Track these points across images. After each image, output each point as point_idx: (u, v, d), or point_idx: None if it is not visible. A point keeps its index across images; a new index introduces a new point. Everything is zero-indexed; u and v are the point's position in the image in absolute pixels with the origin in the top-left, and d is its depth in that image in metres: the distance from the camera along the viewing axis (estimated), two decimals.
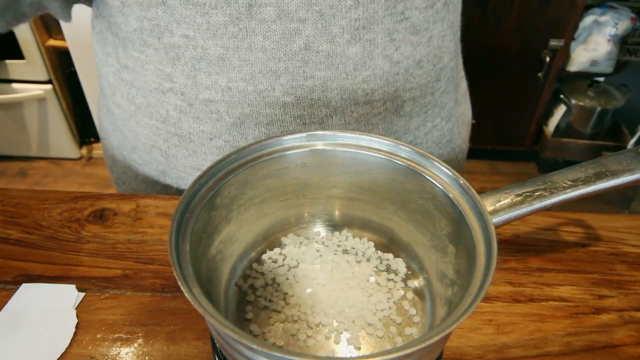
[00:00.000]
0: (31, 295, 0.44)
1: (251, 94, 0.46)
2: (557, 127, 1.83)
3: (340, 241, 0.44)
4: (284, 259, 0.43)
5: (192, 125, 0.49)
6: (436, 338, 0.27)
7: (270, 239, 0.44)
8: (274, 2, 0.42)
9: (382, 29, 0.45)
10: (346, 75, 0.47)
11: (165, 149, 0.52)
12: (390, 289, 0.41)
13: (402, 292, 0.41)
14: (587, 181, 0.38)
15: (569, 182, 0.38)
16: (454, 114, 0.60)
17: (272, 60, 0.44)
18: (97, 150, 1.94)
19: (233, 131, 0.48)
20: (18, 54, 1.62)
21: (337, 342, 0.37)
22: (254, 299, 0.40)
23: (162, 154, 0.53)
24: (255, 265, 0.42)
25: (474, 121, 0.67)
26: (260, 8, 0.42)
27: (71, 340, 0.41)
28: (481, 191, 0.37)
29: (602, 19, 1.63)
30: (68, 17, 0.55)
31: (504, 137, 1.92)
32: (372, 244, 0.44)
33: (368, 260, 0.43)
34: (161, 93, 0.48)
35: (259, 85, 0.46)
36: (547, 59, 1.67)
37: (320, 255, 0.43)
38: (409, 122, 0.54)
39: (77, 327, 0.42)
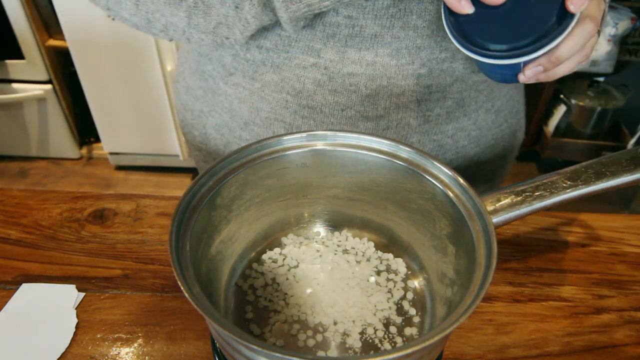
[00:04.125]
0: (31, 295, 0.44)
1: (392, 68, 0.49)
2: (557, 127, 1.83)
3: (340, 241, 0.44)
4: (284, 259, 0.43)
5: (327, 97, 0.52)
6: (436, 338, 0.27)
7: (270, 239, 0.44)
8: None
9: None
10: None
11: (290, 120, 0.55)
12: (390, 289, 0.41)
13: (402, 292, 0.41)
14: (587, 181, 0.38)
15: (569, 182, 0.38)
16: (521, 85, 0.64)
17: (420, 37, 0.48)
18: (97, 150, 1.94)
19: (366, 102, 0.52)
20: (18, 54, 1.62)
21: (337, 342, 0.37)
22: (254, 299, 0.40)
23: (285, 126, 0.56)
24: (255, 265, 0.42)
25: (525, 99, 0.71)
26: None
27: (71, 340, 0.41)
28: (481, 191, 0.37)
29: None
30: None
31: None
32: (372, 244, 0.44)
33: (368, 260, 0.43)
34: (302, 68, 0.51)
35: (402, 60, 0.49)
36: None
37: (320, 255, 0.43)
38: (503, 88, 0.58)
39: (77, 327, 0.42)
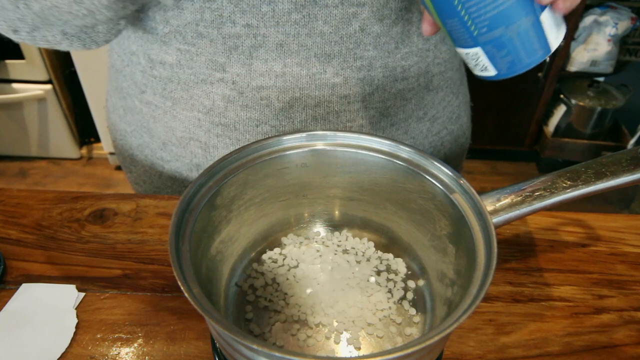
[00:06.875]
0: (31, 295, 0.44)
1: (304, 78, 0.48)
2: (557, 127, 1.83)
3: (340, 241, 0.44)
4: (284, 259, 0.43)
5: (239, 113, 0.50)
6: (436, 338, 0.27)
7: (270, 239, 0.44)
8: None
9: (418, 8, 0.49)
10: (388, 53, 0.50)
11: (206, 140, 0.53)
12: (390, 289, 0.41)
13: (402, 292, 0.41)
14: (587, 181, 0.38)
15: (569, 182, 0.38)
16: (461, 91, 0.63)
17: (328, 44, 0.47)
18: (97, 150, 1.94)
19: (280, 116, 0.50)
20: (18, 54, 1.62)
21: (337, 342, 0.37)
22: (254, 299, 0.40)
23: (201, 145, 0.53)
24: (255, 265, 0.42)
25: (472, 104, 0.69)
26: None
27: (71, 340, 0.41)
28: (481, 191, 0.37)
29: (602, 19, 1.63)
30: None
31: (504, 137, 1.91)
32: (372, 244, 0.44)
33: (368, 260, 0.43)
34: (209, 84, 0.49)
35: (312, 69, 0.48)
36: (547, 59, 1.67)
37: (320, 255, 0.43)
38: (436, 96, 0.57)
39: (77, 327, 0.42)
